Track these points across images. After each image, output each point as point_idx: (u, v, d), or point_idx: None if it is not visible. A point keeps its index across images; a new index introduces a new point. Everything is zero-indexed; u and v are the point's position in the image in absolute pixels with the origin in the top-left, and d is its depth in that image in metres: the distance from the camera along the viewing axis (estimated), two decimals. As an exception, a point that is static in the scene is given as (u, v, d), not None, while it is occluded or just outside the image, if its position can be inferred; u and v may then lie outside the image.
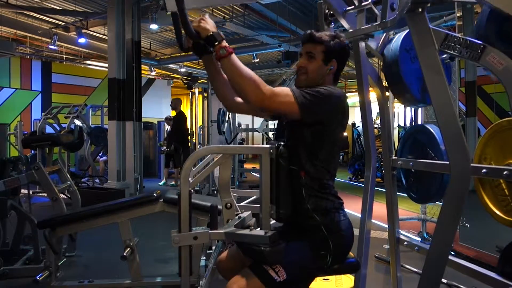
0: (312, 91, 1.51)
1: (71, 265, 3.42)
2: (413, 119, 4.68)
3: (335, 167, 1.64)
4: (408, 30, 1.99)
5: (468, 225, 3.50)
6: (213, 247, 2.19)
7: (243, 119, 12.63)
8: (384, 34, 2.13)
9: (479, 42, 1.47)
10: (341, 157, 13.55)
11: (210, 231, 1.58)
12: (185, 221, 1.57)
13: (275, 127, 6.99)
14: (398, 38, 1.98)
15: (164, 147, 8.59)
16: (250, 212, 1.74)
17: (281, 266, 1.47)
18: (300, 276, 1.56)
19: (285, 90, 1.51)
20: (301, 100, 1.48)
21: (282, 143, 1.59)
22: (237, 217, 1.70)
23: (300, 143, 1.58)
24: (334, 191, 1.63)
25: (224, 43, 1.45)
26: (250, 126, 11.44)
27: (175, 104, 8.41)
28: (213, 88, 1.75)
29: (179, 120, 8.05)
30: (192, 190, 1.62)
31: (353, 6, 1.98)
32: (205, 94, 8.25)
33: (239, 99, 1.69)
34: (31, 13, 8.98)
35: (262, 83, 1.45)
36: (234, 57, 1.45)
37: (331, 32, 1.72)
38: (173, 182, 8.86)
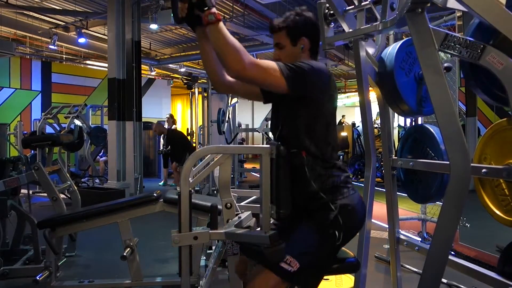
0: (294, 65, 1.49)
1: (71, 265, 3.42)
2: (413, 119, 4.68)
3: (335, 138, 1.63)
4: (401, 41, 2.00)
5: (468, 225, 3.50)
6: (213, 247, 2.19)
7: (243, 119, 12.64)
8: (382, 40, 2.13)
9: (479, 41, 1.47)
10: (341, 157, 13.56)
11: (210, 231, 1.57)
12: (185, 221, 1.56)
13: (270, 116, 6.95)
14: (393, 50, 1.98)
15: (162, 148, 8.60)
16: (250, 212, 1.74)
17: (292, 257, 1.46)
18: (314, 260, 1.52)
19: (268, 62, 1.48)
20: (286, 72, 1.46)
21: (280, 144, 1.58)
22: (237, 217, 1.69)
23: (296, 123, 1.57)
24: (338, 163, 1.61)
25: (214, 10, 1.42)
26: (250, 126, 11.43)
27: (158, 128, 8.24)
28: (204, 65, 1.70)
29: (174, 140, 7.88)
30: (192, 190, 1.62)
31: (353, 6, 1.98)
32: (205, 94, 8.23)
33: (230, 78, 1.64)
34: (31, 13, 8.99)
35: (245, 52, 1.41)
36: (221, 25, 1.42)
37: (293, 11, 1.67)
38: (173, 182, 8.87)
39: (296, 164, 1.56)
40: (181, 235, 1.56)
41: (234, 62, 1.40)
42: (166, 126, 8.62)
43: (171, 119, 8.77)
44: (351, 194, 1.58)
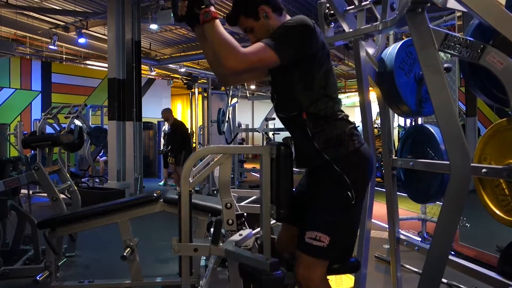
0: (274, 34, 1.49)
1: (71, 265, 3.42)
2: (413, 119, 4.68)
3: (334, 87, 1.61)
4: (401, 41, 2.00)
5: (468, 225, 3.50)
6: (212, 229, 2.19)
7: (243, 119, 12.64)
8: (382, 40, 2.13)
9: (479, 41, 1.47)
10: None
11: (211, 246, 1.58)
12: (185, 231, 1.57)
13: (270, 116, 6.95)
14: (393, 50, 1.98)
15: (162, 148, 8.56)
16: (250, 230, 1.75)
17: (319, 232, 1.48)
18: (340, 228, 1.52)
19: (255, 46, 1.46)
20: (272, 44, 1.44)
21: (282, 142, 1.59)
22: (237, 234, 1.69)
23: (292, 86, 1.55)
24: (342, 114, 1.59)
25: (211, 8, 1.43)
26: (250, 126, 11.43)
27: (166, 115, 8.20)
28: (208, 63, 1.71)
29: (175, 131, 7.69)
30: (192, 190, 1.63)
31: (353, 6, 1.98)
32: (205, 94, 8.24)
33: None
34: (31, 13, 8.98)
35: (238, 49, 1.41)
36: (217, 23, 1.43)
37: None
38: (173, 182, 8.87)
39: (299, 126, 1.56)
40: (181, 245, 1.57)
41: (227, 60, 1.40)
42: (166, 126, 8.58)
43: (169, 112, 8.61)
44: (357, 148, 1.54)
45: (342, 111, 1.62)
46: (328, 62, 1.59)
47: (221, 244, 1.63)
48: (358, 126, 1.77)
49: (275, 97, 1.67)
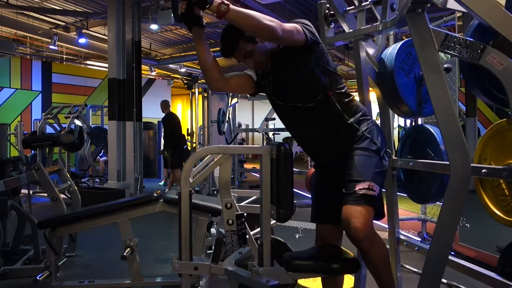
0: (299, 21, 1.69)
1: (71, 265, 3.42)
2: (413, 119, 4.67)
3: (340, 77, 1.82)
4: (401, 42, 2.00)
5: (468, 225, 3.50)
6: (213, 247, 2.19)
7: (243, 119, 12.64)
8: (382, 41, 2.13)
9: (479, 42, 1.47)
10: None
11: (211, 265, 1.59)
12: (185, 248, 1.57)
13: (270, 116, 6.94)
14: (393, 51, 1.98)
15: (162, 148, 8.54)
16: (250, 248, 1.76)
17: (371, 182, 1.59)
18: (382, 179, 1.70)
19: (291, 24, 1.64)
20: (303, 29, 1.65)
21: (282, 142, 1.60)
22: (237, 252, 1.69)
23: (313, 74, 1.69)
24: (352, 100, 1.80)
25: (219, 0, 1.46)
26: (250, 126, 11.43)
27: (163, 105, 8.17)
28: (199, 64, 1.76)
29: (167, 123, 7.41)
30: (192, 190, 1.63)
31: (353, 6, 1.98)
32: (205, 94, 8.23)
33: (221, 76, 1.76)
34: (31, 13, 8.99)
35: (271, 20, 1.54)
36: (236, 8, 1.50)
37: (222, 30, 1.77)
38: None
39: (327, 106, 1.70)
40: (181, 263, 1.57)
41: (269, 33, 1.54)
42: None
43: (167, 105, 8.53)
44: (374, 123, 1.78)
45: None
46: (327, 53, 1.80)
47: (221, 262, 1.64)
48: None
49: (287, 89, 1.75)
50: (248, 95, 9.03)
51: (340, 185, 1.67)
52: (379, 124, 1.92)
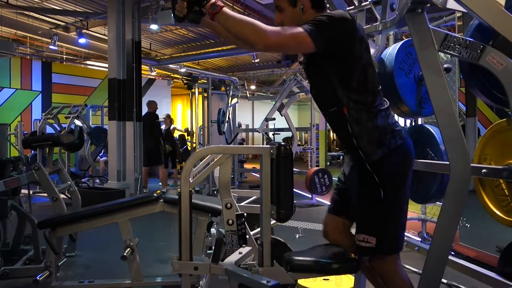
0: (315, 20, 1.46)
1: (71, 265, 3.42)
2: (413, 119, 4.67)
3: (374, 82, 1.58)
4: (401, 42, 2.00)
5: (468, 225, 3.50)
6: (213, 247, 2.19)
7: (243, 119, 12.64)
8: (382, 41, 2.13)
9: (478, 42, 1.47)
10: (341, 157, 13.53)
11: (211, 264, 1.59)
12: (185, 248, 1.57)
13: (270, 116, 6.97)
14: (392, 51, 1.98)
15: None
16: (250, 248, 1.75)
17: (365, 235, 1.56)
18: (383, 225, 1.57)
19: (290, 27, 1.46)
20: (309, 29, 1.42)
21: (282, 142, 1.60)
22: (237, 252, 1.69)
23: (331, 81, 1.54)
24: (383, 108, 1.57)
25: (213, 0, 1.43)
26: (250, 126, 11.43)
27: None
28: (234, 42, 1.70)
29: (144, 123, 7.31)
30: (192, 190, 1.63)
31: (353, 6, 1.98)
32: (205, 94, 8.22)
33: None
34: (31, 13, 8.99)
35: (261, 25, 1.41)
36: (226, 10, 1.43)
37: None
38: (172, 182, 8.87)
39: (339, 122, 1.58)
40: (181, 263, 1.57)
41: (257, 38, 1.40)
42: (163, 127, 8.57)
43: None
44: (399, 144, 1.55)
45: (384, 103, 1.60)
46: (367, 56, 1.56)
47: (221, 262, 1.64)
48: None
49: (313, 92, 1.71)
50: (248, 95, 8.97)
51: (352, 192, 1.69)
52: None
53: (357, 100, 1.53)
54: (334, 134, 1.76)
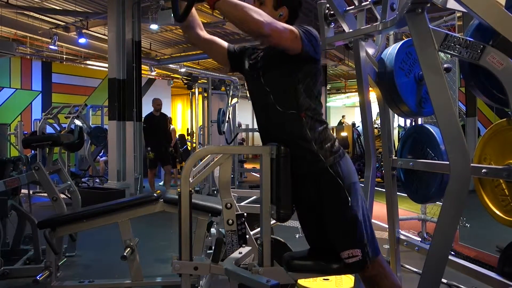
0: (305, 28, 1.56)
1: (71, 265, 3.42)
2: (413, 119, 4.68)
3: (320, 91, 1.70)
4: (401, 42, 2.00)
5: (468, 225, 3.50)
6: (213, 247, 2.19)
7: (243, 119, 12.64)
8: (382, 41, 2.13)
9: (479, 42, 1.47)
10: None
11: (211, 264, 1.59)
12: (185, 248, 1.57)
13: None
14: (393, 50, 1.98)
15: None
16: (250, 248, 1.75)
17: (347, 250, 1.54)
18: (360, 230, 1.57)
19: (286, 24, 1.53)
20: (302, 34, 1.53)
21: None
22: (237, 252, 1.69)
23: (295, 85, 1.60)
24: (325, 121, 1.69)
25: None
26: (250, 126, 11.44)
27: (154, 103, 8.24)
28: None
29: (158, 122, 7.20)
30: (192, 190, 1.63)
31: (353, 6, 1.98)
32: (205, 94, 8.23)
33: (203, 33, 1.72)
34: (31, 13, 8.99)
35: (260, 13, 1.45)
36: None
37: None
38: (172, 182, 8.86)
39: (293, 125, 1.59)
40: (181, 262, 1.57)
41: (253, 28, 1.43)
42: None
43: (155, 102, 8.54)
44: (345, 156, 1.64)
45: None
46: (321, 74, 1.69)
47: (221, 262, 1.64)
48: (358, 126, 1.78)
49: (267, 91, 1.66)
50: (247, 96, 9.06)
51: (316, 209, 1.63)
52: (379, 124, 1.87)
53: (313, 108, 1.62)
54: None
